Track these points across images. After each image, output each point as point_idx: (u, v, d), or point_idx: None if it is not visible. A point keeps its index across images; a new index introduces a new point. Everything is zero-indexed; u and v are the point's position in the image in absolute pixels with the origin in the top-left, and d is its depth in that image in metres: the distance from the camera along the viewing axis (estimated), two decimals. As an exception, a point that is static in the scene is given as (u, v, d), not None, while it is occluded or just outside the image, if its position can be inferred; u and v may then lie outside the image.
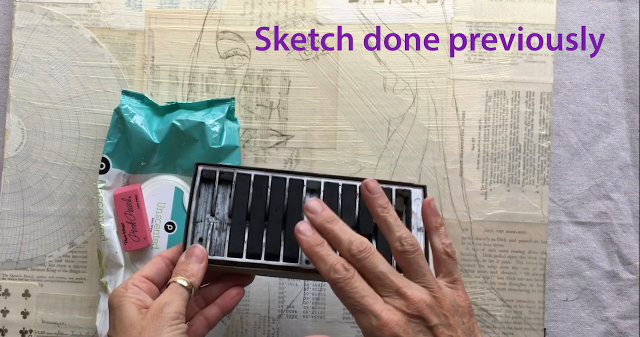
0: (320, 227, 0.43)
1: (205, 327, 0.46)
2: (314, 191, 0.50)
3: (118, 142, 0.57)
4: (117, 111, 0.56)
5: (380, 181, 0.47)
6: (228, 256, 0.46)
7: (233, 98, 0.58)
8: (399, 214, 0.50)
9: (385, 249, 0.45)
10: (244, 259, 0.46)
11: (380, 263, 0.42)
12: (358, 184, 0.49)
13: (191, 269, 0.43)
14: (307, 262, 0.47)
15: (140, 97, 0.58)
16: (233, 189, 0.48)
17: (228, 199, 0.49)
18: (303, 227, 0.43)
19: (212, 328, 0.47)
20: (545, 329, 0.58)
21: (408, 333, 0.39)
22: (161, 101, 0.60)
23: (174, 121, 0.56)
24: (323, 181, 0.49)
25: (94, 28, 0.61)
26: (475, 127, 0.60)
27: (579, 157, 0.60)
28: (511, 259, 0.58)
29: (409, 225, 0.49)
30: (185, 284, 0.42)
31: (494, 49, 0.60)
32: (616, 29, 0.61)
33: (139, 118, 0.56)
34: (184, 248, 0.45)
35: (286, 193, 0.48)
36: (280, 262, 0.46)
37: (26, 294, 0.59)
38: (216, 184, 0.48)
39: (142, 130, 0.56)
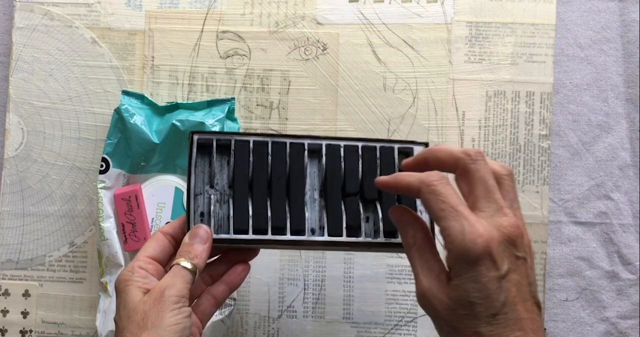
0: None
1: (214, 306, 0.45)
2: (315, 154, 0.47)
3: (118, 142, 0.57)
4: (117, 111, 0.56)
5: (380, 140, 0.46)
6: (234, 233, 0.44)
7: (233, 98, 0.58)
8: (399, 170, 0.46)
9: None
10: (250, 236, 0.44)
11: (492, 176, 0.39)
12: (360, 144, 0.47)
13: (195, 251, 0.41)
14: (312, 232, 0.46)
15: (140, 97, 0.58)
16: (232, 158, 0.45)
17: (226, 167, 0.46)
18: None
19: (220, 306, 0.46)
20: (545, 329, 0.58)
21: (498, 253, 0.36)
22: (161, 101, 0.60)
23: (174, 121, 0.56)
24: (324, 143, 0.47)
25: (94, 28, 0.61)
26: (475, 127, 0.60)
27: (579, 157, 0.60)
28: (511, 259, 0.58)
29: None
30: (188, 266, 0.41)
31: (494, 49, 0.60)
32: (616, 29, 0.61)
33: (139, 118, 0.56)
34: (188, 225, 0.43)
35: (287, 159, 0.46)
36: (288, 237, 0.45)
37: (26, 294, 0.59)
38: (214, 153, 0.45)
39: (142, 130, 0.56)
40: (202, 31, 0.60)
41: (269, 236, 0.45)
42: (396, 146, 0.47)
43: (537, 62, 0.60)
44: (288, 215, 0.45)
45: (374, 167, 0.47)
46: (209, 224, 0.44)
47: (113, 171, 0.56)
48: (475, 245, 0.36)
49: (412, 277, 0.57)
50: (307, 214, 0.46)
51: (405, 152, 0.48)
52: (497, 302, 0.36)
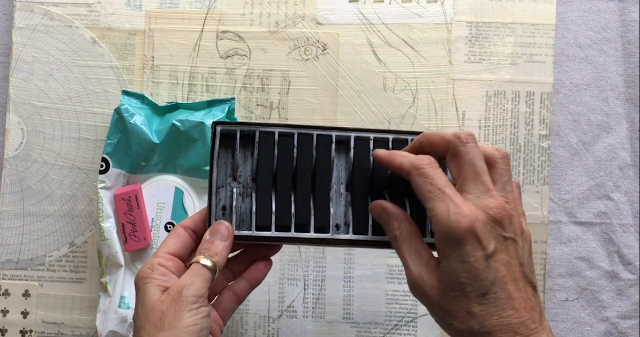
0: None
1: (235, 303, 0.45)
2: (342, 146, 0.45)
3: (118, 142, 0.57)
4: (117, 111, 0.56)
5: (378, 130, 0.45)
6: (256, 229, 0.43)
7: (233, 98, 0.58)
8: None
9: (422, 210, 0.42)
10: (272, 233, 0.43)
11: (481, 159, 0.39)
12: (390, 137, 0.45)
13: (215, 248, 0.40)
14: (337, 228, 0.44)
15: (140, 97, 0.58)
16: (257, 151, 0.44)
17: (250, 159, 0.44)
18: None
19: (241, 303, 0.45)
20: (545, 329, 0.58)
21: (484, 233, 0.37)
22: (161, 101, 0.60)
23: (174, 121, 0.56)
24: (353, 135, 0.45)
25: (94, 28, 0.61)
26: (475, 127, 0.60)
27: (579, 157, 0.60)
28: (511, 259, 0.58)
29: None
30: (208, 264, 0.40)
31: (494, 49, 0.60)
32: (616, 29, 0.61)
33: (139, 118, 0.56)
34: (209, 221, 0.42)
35: (314, 152, 0.44)
36: (311, 235, 0.43)
37: (26, 294, 0.59)
38: (237, 144, 0.44)
39: (142, 130, 0.56)
40: (202, 31, 0.60)
41: (292, 234, 0.43)
42: (390, 137, 0.46)
43: (537, 62, 0.60)
44: (312, 212, 0.44)
45: None
46: (230, 219, 0.43)
47: (113, 171, 0.56)
48: (459, 225, 0.36)
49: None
50: (332, 210, 0.44)
51: (401, 141, 0.46)
52: (486, 282, 0.36)
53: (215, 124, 0.43)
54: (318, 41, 0.60)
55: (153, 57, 0.60)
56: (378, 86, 0.60)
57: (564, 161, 0.60)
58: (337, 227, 0.45)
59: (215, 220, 0.43)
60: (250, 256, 0.45)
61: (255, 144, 0.44)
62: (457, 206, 0.37)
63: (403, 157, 0.40)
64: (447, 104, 0.60)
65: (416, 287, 0.39)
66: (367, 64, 0.60)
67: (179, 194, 0.57)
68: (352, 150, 0.45)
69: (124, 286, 0.56)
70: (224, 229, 0.41)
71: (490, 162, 0.40)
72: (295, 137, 0.44)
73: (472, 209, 0.37)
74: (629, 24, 0.61)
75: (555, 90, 0.61)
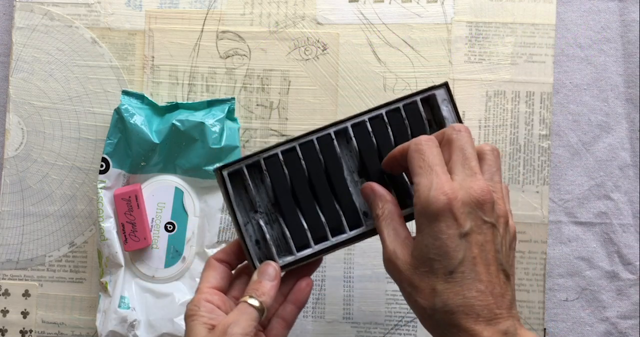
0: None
1: (285, 328, 0.44)
2: (341, 136, 0.45)
3: (118, 142, 0.57)
4: (117, 111, 0.56)
5: (369, 111, 0.45)
6: (297, 251, 0.43)
7: (233, 98, 0.58)
8: (430, 123, 0.46)
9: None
10: (314, 249, 0.44)
11: (472, 146, 0.40)
12: (383, 111, 0.45)
13: (263, 288, 0.41)
14: (366, 215, 0.45)
15: (140, 97, 0.58)
16: (268, 178, 0.44)
17: (262, 186, 0.44)
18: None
19: (291, 326, 0.44)
20: (545, 329, 0.58)
21: (461, 212, 0.37)
22: (161, 101, 0.60)
23: (174, 121, 0.56)
24: (349, 124, 0.45)
25: (94, 28, 0.61)
26: (475, 127, 0.60)
27: (579, 157, 0.60)
28: (511, 259, 0.58)
29: None
30: (255, 304, 0.40)
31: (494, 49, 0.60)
32: (616, 29, 0.61)
33: (139, 118, 0.56)
34: (252, 263, 0.43)
35: (320, 156, 0.44)
36: (349, 234, 0.44)
37: (26, 294, 0.59)
38: (248, 180, 0.44)
39: (142, 130, 0.56)
40: (202, 31, 0.60)
41: (331, 241, 0.44)
42: (418, 98, 0.45)
43: (537, 62, 0.60)
44: (341, 211, 0.44)
45: (403, 130, 0.45)
46: (267, 249, 0.44)
47: (113, 171, 0.56)
48: (437, 200, 0.37)
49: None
50: (357, 204, 0.44)
51: (428, 101, 0.46)
52: (454, 260, 0.37)
53: (219, 169, 0.43)
54: (318, 41, 0.60)
55: (153, 57, 0.60)
56: (378, 86, 0.60)
57: (564, 161, 0.60)
58: (366, 214, 0.45)
59: (257, 259, 0.43)
60: (291, 279, 0.45)
61: (264, 172, 0.44)
62: (439, 183, 0.37)
63: (405, 143, 0.42)
64: (447, 104, 0.60)
65: (389, 263, 0.40)
66: (367, 64, 0.60)
67: (179, 194, 0.57)
68: (353, 139, 0.45)
69: (124, 286, 0.56)
70: (271, 270, 0.42)
71: (480, 155, 0.41)
72: (298, 149, 0.44)
73: (453, 188, 0.37)
74: (629, 24, 0.61)
75: (555, 90, 0.61)
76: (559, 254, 0.60)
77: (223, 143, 0.56)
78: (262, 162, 0.44)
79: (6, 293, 0.59)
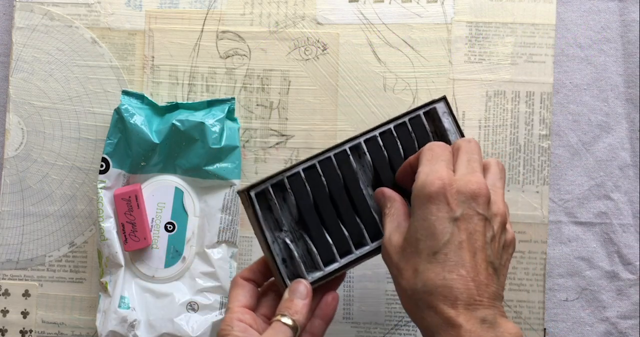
0: None
1: None
2: (354, 151, 0.47)
3: (118, 142, 0.57)
4: (117, 111, 0.56)
5: (379, 126, 0.47)
6: (325, 266, 0.45)
7: (233, 98, 0.58)
8: (434, 135, 0.49)
9: None
10: (340, 263, 0.45)
11: (478, 154, 0.42)
12: (392, 126, 0.48)
13: (295, 307, 0.41)
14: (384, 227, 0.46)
15: (140, 97, 0.58)
16: (292, 196, 0.45)
17: (285, 205, 0.46)
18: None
19: None
20: (545, 329, 0.58)
21: (454, 199, 0.38)
22: (161, 101, 0.60)
23: (174, 121, 0.56)
24: (362, 139, 0.47)
25: (94, 28, 0.61)
26: (475, 127, 0.60)
27: (579, 157, 0.60)
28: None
29: (447, 143, 0.47)
30: (289, 322, 0.40)
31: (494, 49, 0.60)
32: (616, 29, 0.61)
33: (139, 118, 0.56)
34: (282, 281, 0.44)
35: (338, 172, 0.46)
36: (371, 246, 0.46)
37: (26, 294, 0.59)
38: (274, 200, 0.45)
39: (142, 130, 0.56)
40: (202, 31, 0.60)
41: (356, 254, 0.45)
42: (421, 112, 0.49)
43: (537, 62, 0.60)
44: (362, 225, 0.46)
45: (410, 142, 0.48)
46: (294, 266, 0.45)
47: (113, 170, 0.56)
48: (432, 184, 0.38)
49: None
50: (376, 217, 0.46)
51: (430, 115, 0.49)
52: (440, 241, 0.37)
53: (246, 191, 0.44)
54: (318, 41, 0.60)
55: (153, 57, 0.60)
56: (378, 86, 0.60)
57: (564, 161, 0.60)
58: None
59: (287, 277, 0.44)
60: (319, 291, 0.45)
61: (288, 190, 0.45)
62: (438, 171, 0.39)
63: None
64: (447, 104, 0.60)
65: (384, 249, 0.41)
66: (367, 64, 0.60)
67: (179, 194, 0.57)
68: (366, 154, 0.47)
69: (124, 286, 0.56)
70: (302, 288, 0.42)
71: (485, 166, 0.42)
72: (318, 166, 0.46)
73: (450, 176, 0.39)
74: (629, 24, 0.61)
75: (555, 90, 0.61)
76: (559, 254, 0.60)
77: (223, 143, 0.56)
78: (286, 180, 0.45)
79: (6, 293, 0.59)
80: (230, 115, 0.58)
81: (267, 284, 0.46)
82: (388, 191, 0.44)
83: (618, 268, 0.60)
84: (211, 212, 0.57)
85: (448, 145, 0.43)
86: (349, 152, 0.47)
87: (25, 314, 0.59)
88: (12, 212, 0.60)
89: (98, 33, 0.60)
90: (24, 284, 0.59)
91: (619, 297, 0.59)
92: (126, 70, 0.60)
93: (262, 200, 0.45)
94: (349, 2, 0.60)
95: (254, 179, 0.59)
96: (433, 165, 0.40)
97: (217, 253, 0.56)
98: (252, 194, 0.44)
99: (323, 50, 0.60)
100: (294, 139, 0.60)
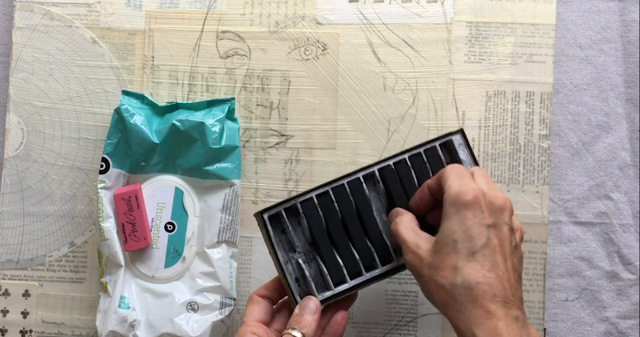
0: None
1: None
2: (369, 179, 0.50)
3: (118, 142, 0.57)
4: (117, 111, 0.56)
5: (393, 156, 0.50)
6: (335, 286, 0.47)
7: (233, 98, 0.58)
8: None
9: None
10: (350, 284, 0.48)
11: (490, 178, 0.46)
12: (406, 156, 0.50)
13: (305, 321, 0.44)
14: (396, 252, 0.49)
15: (140, 97, 0.58)
16: (305, 219, 0.48)
17: (299, 228, 0.49)
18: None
19: None
20: (545, 329, 0.58)
21: (486, 208, 0.42)
22: (161, 101, 0.60)
23: (174, 121, 0.56)
24: (376, 168, 0.50)
25: (94, 28, 0.61)
26: (475, 127, 0.60)
27: (579, 157, 0.60)
28: (511, 259, 0.58)
29: None
30: (298, 335, 0.44)
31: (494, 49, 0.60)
32: (616, 29, 0.61)
33: (139, 118, 0.56)
34: (293, 298, 0.47)
35: (351, 198, 0.49)
36: (382, 269, 0.48)
37: (26, 294, 0.59)
38: (287, 223, 0.48)
39: (142, 130, 0.56)
40: (202, 31, 0.60)
41: (366, 276, 0.48)
42: (437, 144, 0.51)
43: (537, 62, 0.60)
44: (373, 249, 0.48)
45: (425, 172, 0.50)
46: (306, 285, 0.47)
47: (113, 171, 0.56)
48: (467, 193, 0.42)
49: (412, 277, 0.57)
50: (387, 242, 0.49)
51: (446, 146, 0.51)
52: (478, 243, 0.41)
53: (260, 213, 0.47)
54: (318, 41, 0.60)
55: (153, 57, 0.60)
56: (378, 86, 0.60)
57: (564, 161, 0.60)
58: (396, 251, 0.49)
59: (298, 295, 0.47)
60: (329, 312, 0.48)
61: (301, 214, 0.48)
62: (469, 184, 0.43)
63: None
64: (447, 104, 0.60)
65: (412, 254, 0.43)
66: (367, 64, 0.60)
67: (179, 194, 0.57)
68: (380, 182, 0.50)
69: (124, 286, 0.56)
70: (312, 304, 0.46)
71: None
72: (331, 192, 0.49)
73: (481, 188, 0.43)
74: (629, 24, 0.61)
75: (555, 90, 0.61)
76: (559, 254, 0.60)
77: (223, 143, 0.56)
78: (299, 205, 0.48)
79: (6, 293, 0.59)
80: (230, 115, 0.58)
81: (281, 301, 0.49)
82: (399, 209, 0.48)
83: (618, 268, 0.60)
84: (211, 212, 0.57)
85: (464, 167, 0.46)
86: (362, 179, 0.49)
87: (25, 314, 0.59)
88: (12, 212, 0.60)
89: (98, 33, 0.60)
90: (24, 284, 0.59)
91: (619, 297, 0.59)
92: (126, 70, 0.60)
93: (276, 222, 0.48)
94: (349, 2, 0.60)
95: (253, 179, 0.59)
96: (462, 179, 0.43)
97: (217, 253, 0.56)
98: (266, 216, 0.47)
99: (323, 50, 0.60)
100: (294, 139, 0.60)
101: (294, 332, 0.44)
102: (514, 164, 0.59)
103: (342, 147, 0.60)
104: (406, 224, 0.45)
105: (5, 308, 0.59)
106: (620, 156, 0.60)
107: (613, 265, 0.60)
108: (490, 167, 0.59)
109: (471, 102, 0.60)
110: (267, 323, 0.47)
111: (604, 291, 0.59)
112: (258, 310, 0.46)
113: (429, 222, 0.49)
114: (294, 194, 0.59)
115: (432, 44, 0.60)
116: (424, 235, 0.44)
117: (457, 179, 0.43)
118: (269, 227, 0.47)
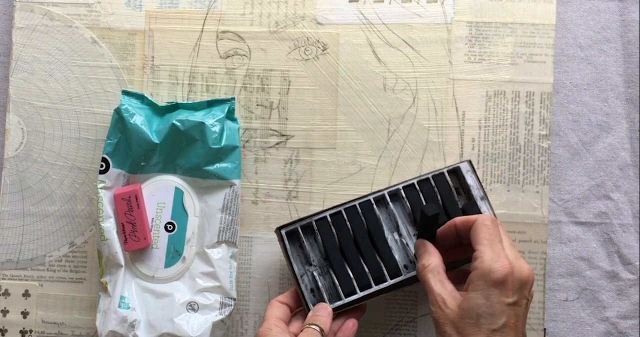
0: None
1: None
2: (380, 202, 0.55)
3: (118, 142, 0.57)
4: (117, 111, 0.56)
5: (403, 182, 0.54)
6: (345, 297, 0.52)
7: (233, 98, 0.58)
8: (457, 190, 0.55)
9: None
10: (359, 295, 0.52)
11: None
12: (415, 181, 0.54)
13: (319, 319, 0.50)
14: (406, 268, 0.53)
15: (140, 97, 0.58)
16: (319, 236, 0.53)
17: (315, 244, 0.54)
18: None
19: None
20: (545, 329, 0.58)
21: (512, 285, 0.45)
22: (161, 101, 0.60)
23: (174, 121, 0.56)
24: (386, 192, 0.54)
25: (94, 28, 0.61)
26: (475, 127, 0.60)
27: (579, 157, 0.60)
28: (511, 259, 0.58)
29: (470, 197, 0.55)
30: (318, 328, 0.49)
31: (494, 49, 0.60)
32: (616, 29, 0.61)
33: (139, 118, 0.56)
34: (307, 305, 0.52)
35: (362, 218, 0.53)
36: (390, 282, 0.52)
37: (26, 294, 0.59)
38: (302, 239, 0.54)
39: (142, 130, 0.56)
40: (202, 31, 0.60)
41: (374, 288, 0.52)
42: (445, 170, 0.55)
43: (537, 62, 0.60)
44: (382, 263, 0.52)
45: (433, 195, 0.54)
46: (320, 296, 0.52)
47: (113, 171, 0.56)
48: (498, 270, 0.45)
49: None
50: (397, 258, 0.53)
51: (455, 173, 0.55)
52: (499, 321, 0.44)
53: (279, 229, 0.53)
54: (318, 41, 0.60)
55: (153, 57, 0.60)
56: (378, 86, 0.60)
57: (564, 161, 0.60)
58: (406, 267, 0.53)
59: (312, 304, 0.52)
60: (340, 319, 0.53)
61: (316, 231, 0.53)
62: (502, 257, 0.45)
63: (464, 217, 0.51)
64: (447, 104, 0.60)
65: (439, 309, 0.47)
66: (367, 64, 0.60)
67: (179, 194, 0.57)
68: (390, 204, 0.54)
69: (124, 286, 0.56)
70: (324, 306, 0.51)
71: None
72: (344, 213, 0.54)
73: (512, 263, 0.45)
74: (629, 24, 0.61)
75: (555, 90, 0.61)
76: (559, 254, 0.60)
77: (223, 143, 0.56)
78: (314, 223, 0.53)
79: (6, 293, 0.59)
80: (230, 115, 0.58)
81: (297, 310, 0.53)
82: (427, 244, 0.51)
83: (618, 268, 0.60)
84: (211, 212, 0.57)
85: (495, 219, 0.48)
86: (373, 201, 0.54)
87: (25, 314, 0.59)
88: (12, 212, 0.60)
89: (98, 33, 0.60)
90: (24, 284, 0.59)
91: (619, 297, 0.59)
92: (126, 70, 0.60)
93: (294, 238, 0.54)
94: (349, 2, 0.60)
95: (253, 179, 0.59)
96: (494, 247, 0.46)
97: (217, 253, 0.56)
98: (283, 232, 0.53)
99: (323, 50, 0.60)
100: (294, 139, 0.60)
101: (314, 326, 0.49)
102: (514, 164, 0.59)
103: (342, 147, 0.60)
104: (434, 272, 0.48)
105: (5, 308, 0.59)
106: (620, 156, 0.60)
107: (613, 265, 0.60)
108: (490, 167, 0.59)
109: (471, 102, 0.60)
110: (286, 322, 0.51)
111: (604, 291, 0.59)
112: (278, 312, 0.51)
113: (451, 253, 0.52)
114: (293, 194, 0.59)
115: (432, 44, 0.60)
116: (451, 288, 0.47)
117: (489, 247, 0.46)
118: (286, 242, 0.53)
